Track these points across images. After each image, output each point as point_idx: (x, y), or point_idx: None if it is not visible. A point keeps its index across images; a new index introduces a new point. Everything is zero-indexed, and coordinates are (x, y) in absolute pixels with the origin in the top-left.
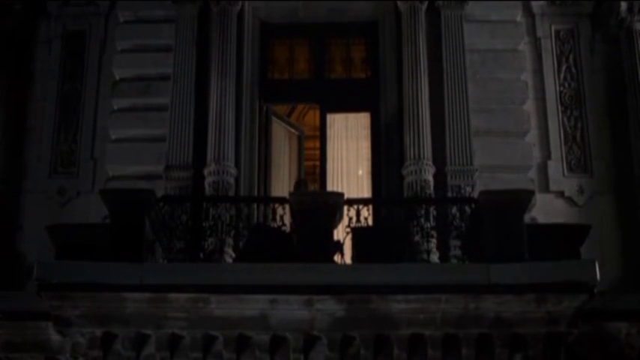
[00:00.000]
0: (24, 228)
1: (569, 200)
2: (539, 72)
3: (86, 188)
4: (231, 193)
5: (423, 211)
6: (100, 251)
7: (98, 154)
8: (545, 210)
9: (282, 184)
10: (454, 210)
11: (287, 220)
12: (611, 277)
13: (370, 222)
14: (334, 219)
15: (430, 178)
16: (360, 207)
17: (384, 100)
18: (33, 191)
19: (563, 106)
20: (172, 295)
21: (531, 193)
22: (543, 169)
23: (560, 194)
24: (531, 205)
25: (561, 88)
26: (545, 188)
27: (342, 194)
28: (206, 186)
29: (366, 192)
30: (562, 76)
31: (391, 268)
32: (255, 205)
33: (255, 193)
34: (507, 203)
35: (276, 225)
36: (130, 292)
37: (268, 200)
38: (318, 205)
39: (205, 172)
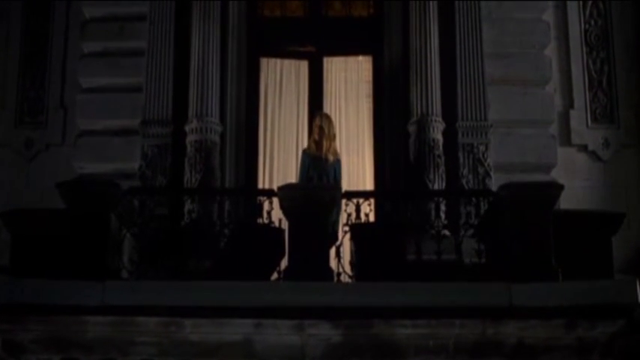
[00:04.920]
0: None
1: (593, 155)
2: (561, 7)
3: (56, 140)
4: (216, 153)
5: (433, 205)
6: (59, 251)
7: (68, 102)
8: (566, 166)
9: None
10: (469, 206)
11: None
12: (637, 240)
13: (373, 217)
14: (330, 217)
15: (439, 136)
16: (361, 201)
17: (388, 42)
18: None
19: (588, 46)
20: (140, 319)
21: (560, 187)
22: (565, 119)
23: (583, 148)
24: (551, 165)
25: (586, 26)
26: (567, 141)
27: (339, 188)
28: (187, 145)
29: (367, 151)
30: (587, 12)
31: (396, 288)
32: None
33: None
34: (532, 202)
35: (263, 222)
36: (91, 315)
37: (254, 193)
38: (312, 202)
39: (187, 128)
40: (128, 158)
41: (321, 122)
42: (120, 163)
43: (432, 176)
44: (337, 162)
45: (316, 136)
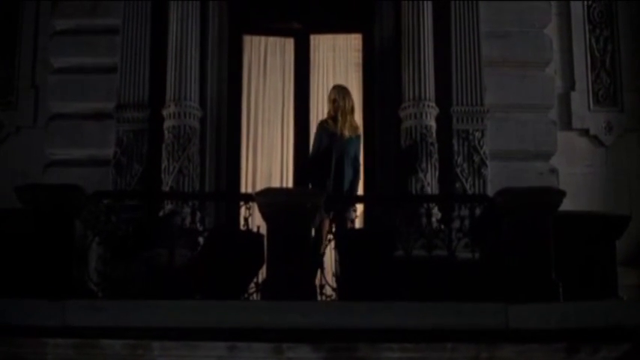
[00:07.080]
0: None
1: (595, 139)
2: None
3: (27, 122)
4: (195, 139)
5: (424, 210)
6: (16, 259)
7: (40, 82)
8: (567, 152)
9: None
10: (463, 211)
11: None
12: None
13: (362, 221)
14: (312, 224)
15: (432, 122)
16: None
17: (379, 20)
18: None
19: (591, 24)
20: (104, 341)
21: (562, 194)
22: (565, 101)
23: (585, 132)
24: (551, 152)
25: (589, 2)
26: (567, 125)
27: (322, 194)
28: (165, 131)
29: None
30: None
31: (383, 307)
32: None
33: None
34: (531, 211)
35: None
36: (51, 337)
37: (232, 198)
38: (293, 209)
39: (164, 113)
40: (102, 144)
41: (336, 95)
42: (94, 149)
43: (424, 165)
44: (357, 138)
45: (332, 112)
